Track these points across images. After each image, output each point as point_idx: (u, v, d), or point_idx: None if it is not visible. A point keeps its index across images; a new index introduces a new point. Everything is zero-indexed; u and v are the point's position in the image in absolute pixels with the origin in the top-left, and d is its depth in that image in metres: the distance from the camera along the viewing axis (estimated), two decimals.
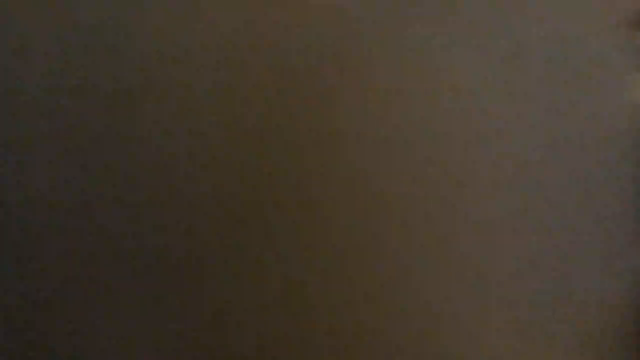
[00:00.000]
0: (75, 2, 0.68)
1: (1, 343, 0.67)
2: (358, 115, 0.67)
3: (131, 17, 0.67)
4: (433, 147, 0.68)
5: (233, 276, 0.67)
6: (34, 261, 0.67)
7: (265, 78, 0.67)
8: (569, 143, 0.69)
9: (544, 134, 0.68)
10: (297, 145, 0.67)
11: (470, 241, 0.68)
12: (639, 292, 0.69)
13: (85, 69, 0.67)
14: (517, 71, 0.68)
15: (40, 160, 0.67)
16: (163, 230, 0.67)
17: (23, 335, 0.67)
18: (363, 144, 0.67)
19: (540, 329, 0.68)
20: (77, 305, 0.67)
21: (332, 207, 0.67)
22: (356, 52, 0.67)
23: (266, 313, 0.67)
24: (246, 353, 0.67)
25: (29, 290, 0.67)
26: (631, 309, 0.69)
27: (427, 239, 0.67)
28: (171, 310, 0.67)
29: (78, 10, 0.68)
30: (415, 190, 0.67)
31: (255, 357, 0.67)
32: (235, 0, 0.67)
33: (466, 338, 0.68)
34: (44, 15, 0.68)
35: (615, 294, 0.69)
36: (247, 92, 0.67)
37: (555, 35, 0.68)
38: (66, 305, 0.67)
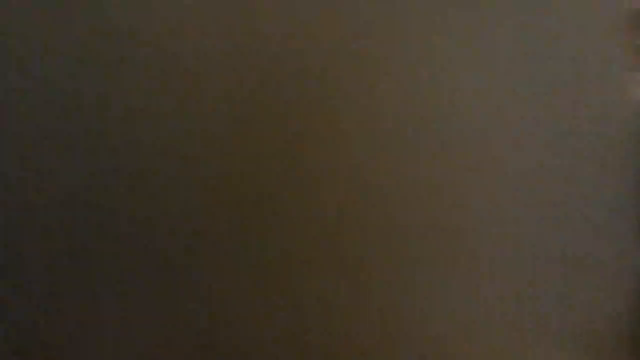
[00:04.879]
0: (78, 3, 0.68)
1: (1, 343, 0.67)
2: (360, 115, 0.67)
3: (133, 18, 0.67)
4: (433, 147, 0.68)
5: (233, 276, 0.67)
6: (33, 261, 0.67)
7: (265, 78, 0.67)
8: (568, 142, 0.69)
9: (543, 134, 0.68)
10: (297, 144, 0.67)
11: (470, 240, 0.68)
12: (639, 292, 0.69)
13: (87, 71, 0.67)
14: (517, 71, 0.68)
15: (39, 160, 0.68)
16: (163, 230, 0.67)
17: (23, 335, 0.67)
18: (365, 143, 0.67)
19: (540, 329, 0.68)
20: (77, 304, 0.67)
21: (333, 207, 0.67)
22: (358, 52, 0.67)
23: (266, 312, 0.67)
24: (246, 352, 0.67)
25: (28, 290, 0.67)
26: (631, 309, 0.69)
27: (427, 238, 0.67)
28: (172, 310, 0.67)
29: (80, 11, 0.68)
30: (416, 190, 0.67)
31: (255, 356, 0.67)
32: (237, 1, 0.67)
33: (465, 338, 0.68)
34: (47, 16, 0.68)
35: (615, 294, 0.69)
36: (247, 94, 0.67)
37: (555, 35, 0.69)
38: (65, 305, 0.67)
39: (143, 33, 0.67)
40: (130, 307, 0.67)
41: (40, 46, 0.68)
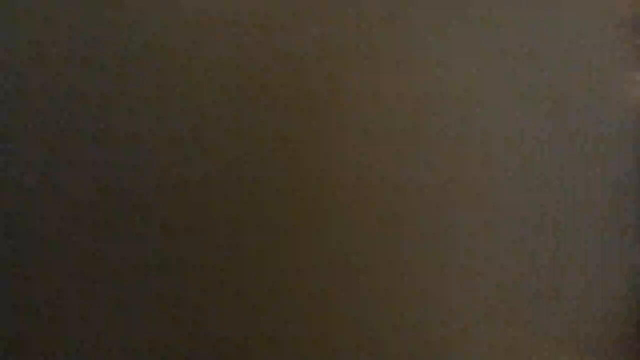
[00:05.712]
0: (77, 2, 0.68)
1: (1, 343, 0.67)
2: (360, 114, 0.67)
3: (132, 17, 0.67)
4: (432, 146, 0.68)
5: (233, 276, 0.67)
6: (33, 261, 0.67)
7: (264, 78, 0.67)
8: (568, 143, 0.69)
9: (543, 134, 0.69)
10: (296, 143, 0.67)
11: (469, 240, 0.68)
12: (639, 292, 0.69)
13: (84, 70, 0.67)
14: (516, 71, 0.69)
15: (37, 160, 0.68)
16: (161, 230, 0.67)
17: (22, 335, 0.67)
18: (365, 143, 0.67)
19: (539, 328, 0.68)
20: (76, 305, 0.67)
21: (331, 207, 0.67)
22: (358, 50, 0.67)
23: (265, 312, 0.67)
24: (246, 352, 0.67)
25: (26, 291, 0.67)
26: (631, 309, 0.69)
27: (427, 237, 0.68)
28: (172, 311, 0.67)
29: (78, 10, 0.68)
30: (416, 189, 0.67)
31: (254, 355, 0.67)
32: (238, 1, 0.68)
33: (464, 338, 0.68)
34: (43, 14, 0.68)
35: (615, 294, 0.69)
36: (244, 94, 0.67)
37: (555, 35, 0.69)
38: (65, 305, 0.67)
39: (142, 32, 0.67)
40: (130, 307, 0.67)
41: (40, 45, 0.68)
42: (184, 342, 0.67)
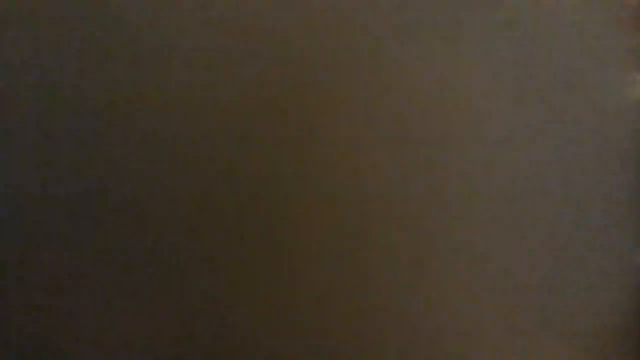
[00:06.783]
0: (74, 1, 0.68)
1: (1, 343, 0.67)
2: (361, 117, 0.67)
3: (128, 15, 0.67)
4: (433, 145, 0.68)
5: (233, 276, 0.67)
6: (33, 260, 0.67)
7: (263, 79, 0.67)
8: (568, 143, 0.69)
9: (543, 134, 0.68)
10: (296, 144, 0.67)
11: (470, 241, 0.68)
12: (639, 292, 0.69)
13: (82, 71, 0.67)
14: (516, 72, 0.68)
15: (39, 158, 0.67)
16: (160, 229, 0.67)
17: (21, 335, 0.67)
18: (366, 146, 0.67)
19: (540, 329, 0.68)
20: (76, 304, 0.67)
21: (330, 208, 0.67)
22: (359, 55, 0.67)
23: (262, 311, 0.67)
24: (244, 351, 0.67)
25: (28, 290, 0.67)
26: (631, 309, 0.69)
27: (427, 237, 0.67)
28: (171, 311, 0.67)
29: (76, 9, 0.68)
30: (416, 190, 0.67)
31: (253, 355, 0.67)
32: (235, 1, 0.68)
33: (464, 339, 0.68)
34: (41, 14, 0.68)
35: (615, 294, 0.69)
36: (242, 95, 0.67)
37: (555, 35, 0.69)
38: (65, 305, 0.67)
39: (143, 31, 0.67)
40: (130, 307, 0.67)
41: (39, 44, 0.68)
42: (184, 342, 0.67)
